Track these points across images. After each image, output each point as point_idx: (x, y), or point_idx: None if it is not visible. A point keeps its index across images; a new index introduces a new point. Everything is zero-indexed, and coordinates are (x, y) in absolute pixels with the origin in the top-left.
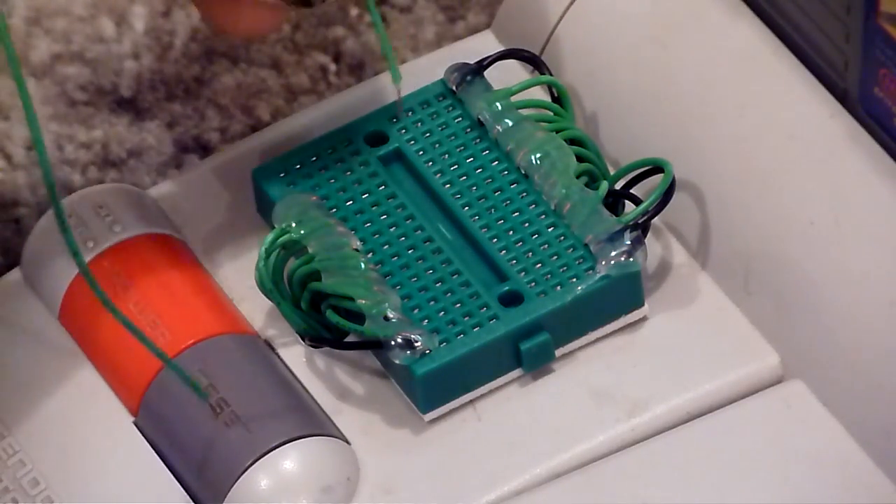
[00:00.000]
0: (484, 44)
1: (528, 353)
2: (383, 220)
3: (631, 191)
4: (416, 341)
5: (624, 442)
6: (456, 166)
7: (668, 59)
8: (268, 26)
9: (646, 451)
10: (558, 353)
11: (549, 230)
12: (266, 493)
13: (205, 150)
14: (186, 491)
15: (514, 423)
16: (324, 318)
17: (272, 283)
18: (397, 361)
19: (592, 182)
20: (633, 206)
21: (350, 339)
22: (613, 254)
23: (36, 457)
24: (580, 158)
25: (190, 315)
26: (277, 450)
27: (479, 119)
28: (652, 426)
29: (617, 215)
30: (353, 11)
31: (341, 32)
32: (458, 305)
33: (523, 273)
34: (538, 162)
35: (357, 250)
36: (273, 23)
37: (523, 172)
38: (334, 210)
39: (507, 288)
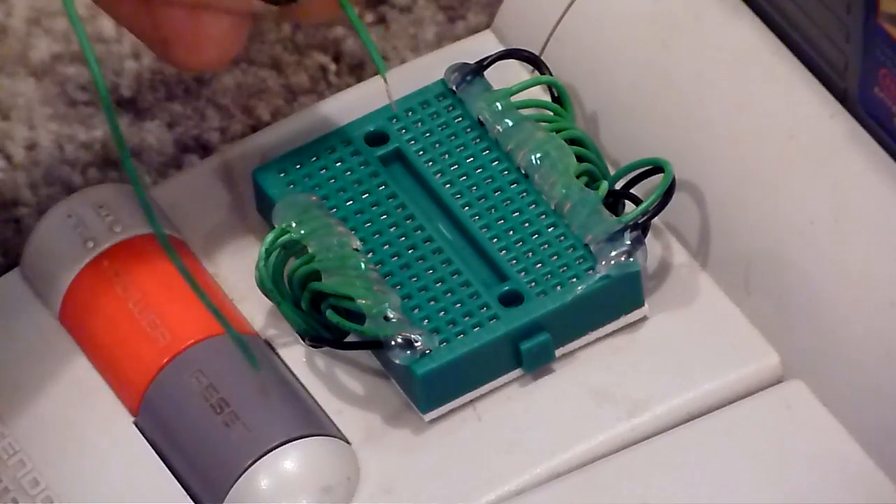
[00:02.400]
0: (484, 44)
1: (528, 353)
2: (383, 220)
3: (631, 191)
4: (416, 341)
5: (624, 442)
6: (456, 166)
7: (668, 58)
8: (231, 46)
9: (646, 451)
10: (558, 353)
11: (549, 230)
12: (266, 493)
13: (205, 150)
14: (186, 491)
15: (514, 423)
16: (324, 318)
17: (272, 283)
18: (397, 361)
19: (592, 182)
20: (633, 206)
21: (350, 339)
22: (613, 254)
23: (36, 457)
24: (580, 158)
25: (190, 315)
26: (277, 450)
27: (479, 119)
28: (652, 426)
29: (617, 215)
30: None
31: (341, 32)
32: (459, 305)
33: (523, 273)
34: (538, 162)
35: (357, 250)
36: (236, 42)
37: (523, 172)
38: (334, 210)
39: (507, 288)
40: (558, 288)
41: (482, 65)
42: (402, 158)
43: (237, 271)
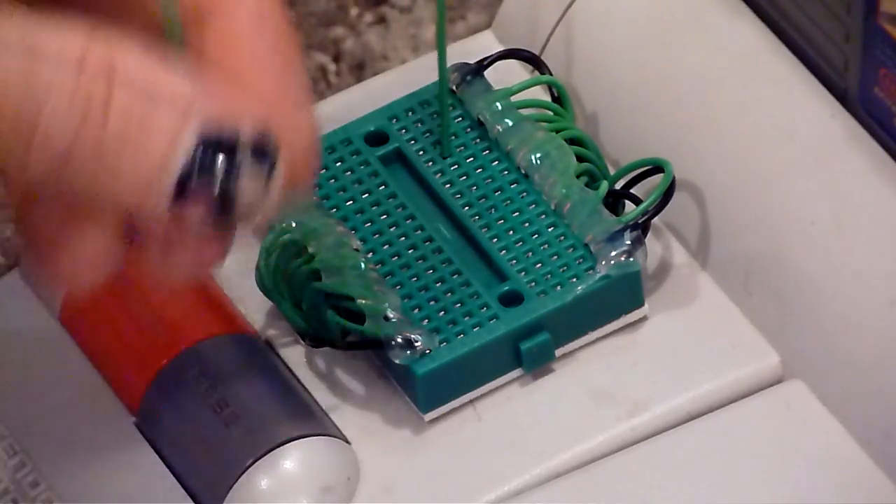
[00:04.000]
0: (484, 44)
1: (528, 353)
2: (383, 220)
3: (631, 191)
4: (416, 341)
5: (624, 442)
6: (456, 166)
7: (669, 59)
8: (86, 280)
9: (646, 451)
10: (558, 353)
11: (549, 230)
12: (266, 493)
13: None
14: (186, 491)
15: (514, 423)
16: (324, 318)
17: (272, 283)
18: (397, 361)
19: (592, 182)
20: (633, 206)
21: (350, 339)
22: (613, 254)
23: (36, 457)
24: (580, 158)
25: (190, 315)
26: (277, 450)
27: (479, 119)
28: (652, 426)
29: (617, 215)
30: (353, 11)
31: (341, 32)
32: (459, 305)
33: (523, 273)
34: (538, 162)
35: (357, 250)
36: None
37: (523, 172)
38: (334, 210)
39: (507, 288)
40: (558, 288)
41: (482, 65)
42: (402, 158)
43: (237, 271)
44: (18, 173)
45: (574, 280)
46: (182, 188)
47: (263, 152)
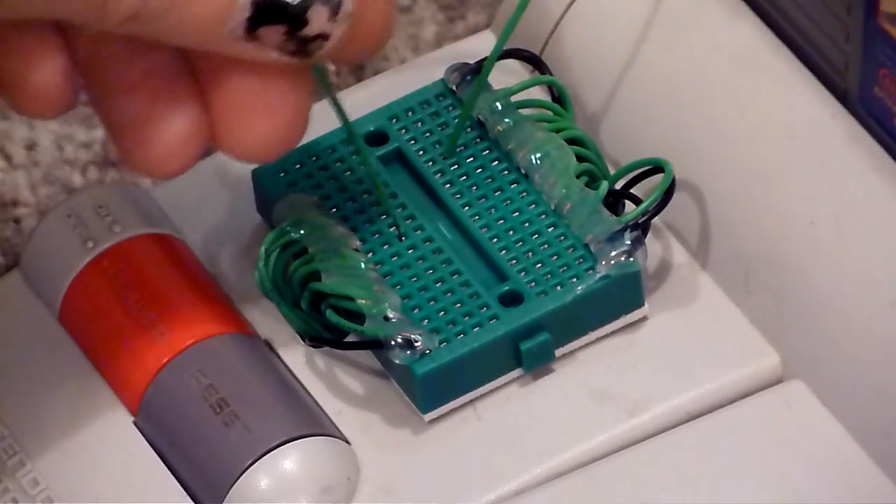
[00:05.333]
0: (484, 44)
1: (528, 353)
2: (383, 220)
3: (631, 191)
4: (416, 341)
5: (624, 442)
6: (456, 166)
7: (669, 58)
8: (180, 161)
9: (646, 450)
10: (558, 353)
11: (549, 230)
12: (266, 493)
13: None
14: (186, 491)
15: (514, 423)
16: (324, 318)
17: (272, 283)
18: (397, 361)
19: (592, 182)
20: (633, 206)
21: (350, 339)
22: (613, 254)
23: (36, 457)
24: (580, 158)
25: (190, 315)
26: (277, 450)
27: (479, 119)
28: (652, 426)
29: (617, 215)
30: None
31: None
32: (458, 305)
33: (523, 273)
34: (538, 162)
35: (357, 250)
36: (188, 156)
37: (523, 172)
38: (334, 210)
39: (507, 288)
40: (558, 288)
41: (482, 65)
42: (402, 158)
43: (237, 271)
44: (96, 26)
45: (574, 280)
46: (256, 16)
47: None
